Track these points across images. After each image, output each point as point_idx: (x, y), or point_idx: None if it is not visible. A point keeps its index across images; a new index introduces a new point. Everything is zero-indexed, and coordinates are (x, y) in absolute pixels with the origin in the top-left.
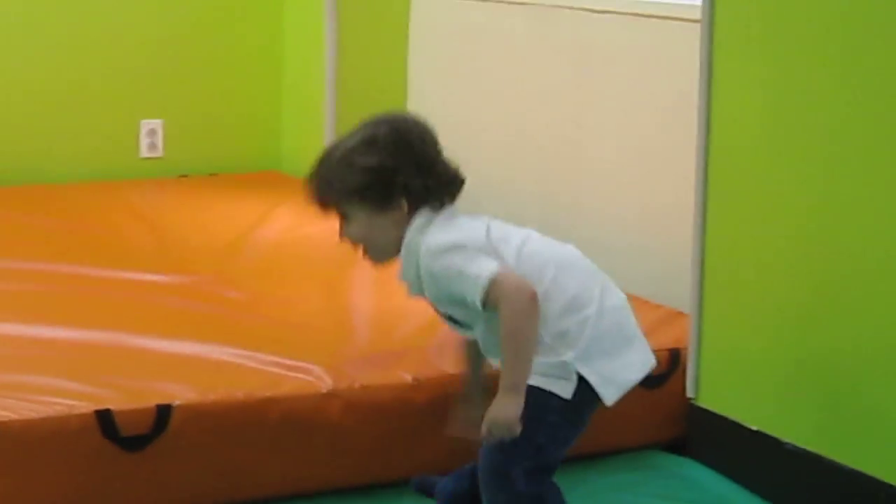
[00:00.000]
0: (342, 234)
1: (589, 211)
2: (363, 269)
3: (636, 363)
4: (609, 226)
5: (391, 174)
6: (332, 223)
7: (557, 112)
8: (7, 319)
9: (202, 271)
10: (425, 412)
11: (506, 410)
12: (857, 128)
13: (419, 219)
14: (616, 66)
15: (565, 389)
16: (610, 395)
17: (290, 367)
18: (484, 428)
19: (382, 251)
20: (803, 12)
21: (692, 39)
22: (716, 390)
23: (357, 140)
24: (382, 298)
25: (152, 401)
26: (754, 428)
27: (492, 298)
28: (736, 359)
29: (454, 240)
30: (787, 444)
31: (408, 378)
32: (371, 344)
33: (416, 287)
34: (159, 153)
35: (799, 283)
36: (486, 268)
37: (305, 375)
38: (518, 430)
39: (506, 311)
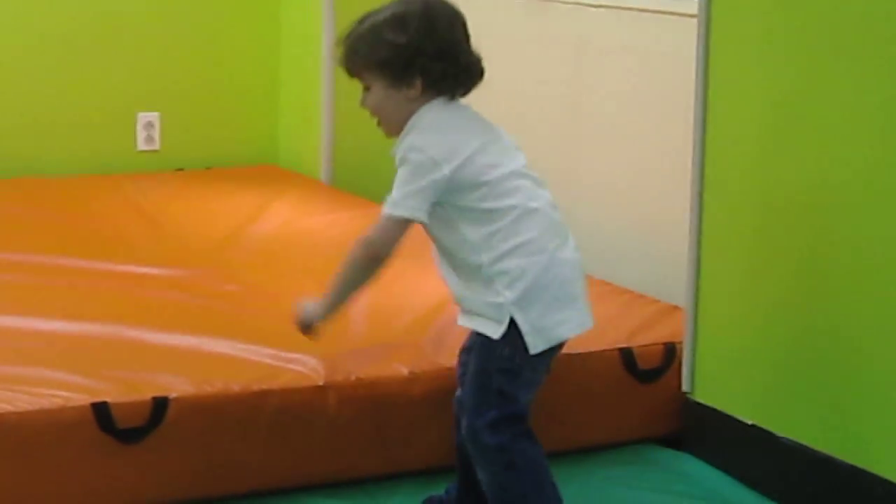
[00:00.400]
0: (362, 103)
1: (585, 206)
2: None
3: (573, 321)
4: (605, 220)
5: (412, 54)
6: (327, 217)
7: (554, 106)
8: (3, 311)
9: (199, 264)
10: (421, 405)
11: (306, 307)
12: (854, 124)
13: (430, 105)
14: (613, 61)
15: (495, 331)
16: (536, 345)
17: (286, 360)
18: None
19: (392, 124)
20: (800, 7)
21: (689, 34)
22: (711, 384)
23: (388, 14)
24: (378, 291)
25: (149, 393)
26: (750, 422)
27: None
28: (731, 353)
29: (422, 159)
30: (782, 438)
31: (404, 371)
32: (367, 337)
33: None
34: (156, 146)
35: (794, 278)
36: (402, 204)
37: (301, 368)
38: (308, 331)
39: (360, 241)
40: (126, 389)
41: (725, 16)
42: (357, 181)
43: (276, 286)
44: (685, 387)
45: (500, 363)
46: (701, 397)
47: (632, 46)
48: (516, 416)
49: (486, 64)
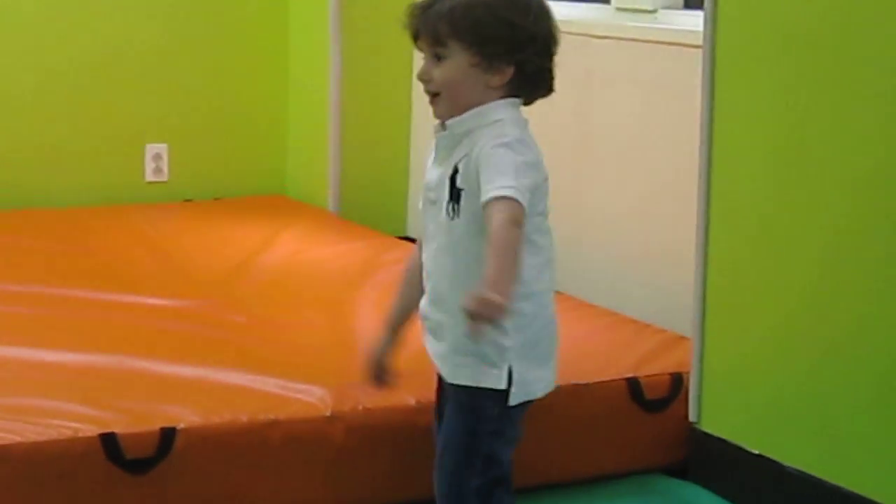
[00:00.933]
0: (424, 74)
1: (593, 235)
2: (367, 293)
3: (546, 380)
4: (612, 250)
5: (524, 40)
6: (336, 247)
7: (561, 136)
8: (12, 343)
9: (207, 295)
10: (428, 435)
11: (494, 293)
12: (859, 155)
13: (508, 102)
14: (619, 92)
15: (496, 380)
16: (515, 396)
17: (293, 390)
18: (470, 301)
19: (454, 104)
20: (804, 38)
21: (694, 65)
22: (718, 414)
23: None
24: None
25: (156, 424)
26: (756, 452)
27: (493, 209)
28: (738, 383)
29: (530, 158)
30: (789, 467)
31: (411, 401)
32: None
33: (447, 148)
34: (164, 177)
35: (800, 307)
36: (524, 193)
37: (309, 398)
38: (503, 316)
39: (505, 224)
40: (134, 420)
41: (730, 46)
42: (365, 211)
43: (284, 317)
44: (692, 416)
45: (491, 425)
46: (707, 427)
47: (637, 77)
48: (504, 478)
49: None
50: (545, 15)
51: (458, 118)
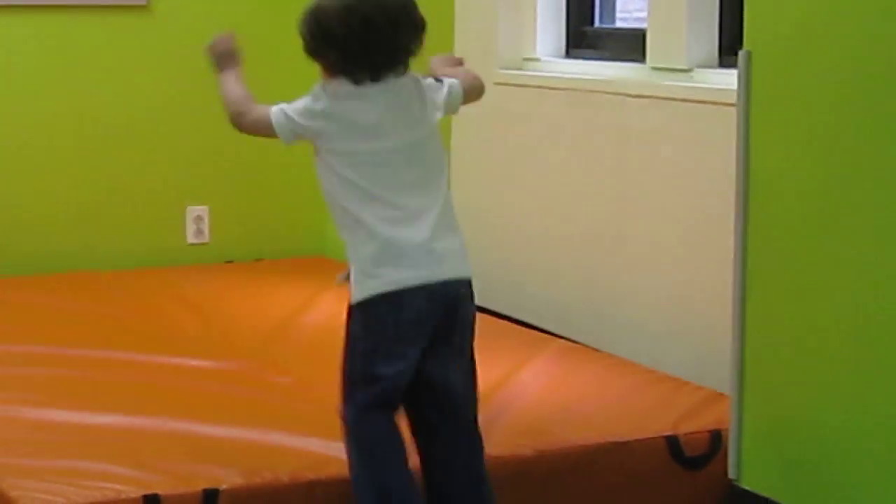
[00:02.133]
0: None
1: (630, 293)
2: None
3: (389, 277)
4: (650, 307)
5: (312, 41)
6: None
7: (598, 194)
8: (55, 405)
9: (248, 356)
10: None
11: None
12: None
13: (333, 83)
14: (655, 150)
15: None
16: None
17: (335, 450)
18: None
19: None
20: (837, 96)
21: (729, 123)
22: (758, 471)
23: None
24: None
25: (199, 485)
26: None
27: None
28: (778, 439)
29: (304, 103)
30: None
31: None
32: None
33: None
34: (206, 239)
35: (840, 363)
36: (284, 107)
37: None
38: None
39: (243, 111)
40: (177, 481)
41: (763, 105)
42: None
43: (325, 377)
44: (731, 474)
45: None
46: (747, 484)
47: (673, 135)
48: (385, 401)
49: (531, 157)
50: (323, 19)
51: None
